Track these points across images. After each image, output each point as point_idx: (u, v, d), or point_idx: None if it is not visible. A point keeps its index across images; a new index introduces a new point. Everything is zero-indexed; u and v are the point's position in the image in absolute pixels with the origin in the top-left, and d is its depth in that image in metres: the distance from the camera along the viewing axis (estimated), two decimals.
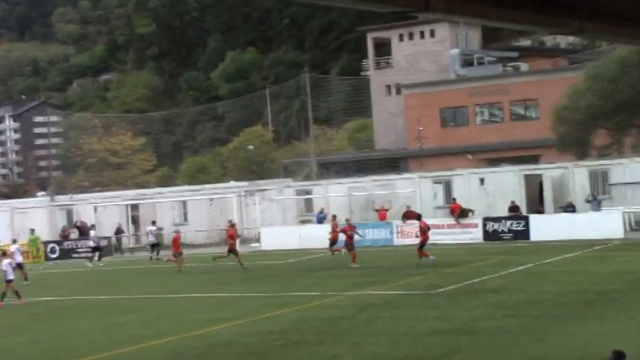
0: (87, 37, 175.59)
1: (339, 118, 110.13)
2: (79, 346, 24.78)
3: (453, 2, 11.06)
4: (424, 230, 40.01)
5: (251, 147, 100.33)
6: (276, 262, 45.37)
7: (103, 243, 57.67)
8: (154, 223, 57.22)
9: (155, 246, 54.46)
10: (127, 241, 64.31)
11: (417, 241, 41.46)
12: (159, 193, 70.86)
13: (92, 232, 56.26)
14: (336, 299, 30.98)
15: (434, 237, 48.95)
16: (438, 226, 50.66)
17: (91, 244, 55.79)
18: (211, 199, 64.00)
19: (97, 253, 54.43)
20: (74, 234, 63.32)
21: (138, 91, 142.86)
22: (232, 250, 43.48)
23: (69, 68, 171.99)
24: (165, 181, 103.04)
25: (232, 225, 46.01)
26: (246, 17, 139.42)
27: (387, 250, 48.78)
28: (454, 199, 54.69)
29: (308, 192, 63.77)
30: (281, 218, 61.86)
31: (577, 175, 54.53)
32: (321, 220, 56.80)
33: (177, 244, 45.60)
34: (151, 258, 53.25)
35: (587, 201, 50.90)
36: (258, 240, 56.86)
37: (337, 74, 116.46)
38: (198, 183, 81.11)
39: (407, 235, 50.98)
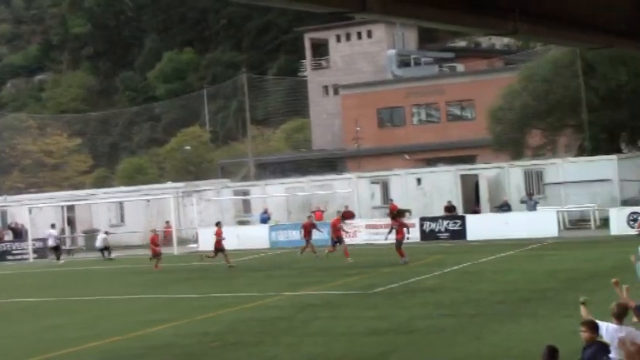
0: (20, 37, 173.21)
1: (276, 119, 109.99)
2: (12, 349, 24.45)
3: (390, 3, 11.08)
4: (400, 228, 39.87)
5: (188, 147, 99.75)
6: (213, 263, 45.16)
7: (51, 243, 57.03)
8: (53, 226, 57.03)
9: (56, 249, 54.67)
10: (64, 243, 63.55)
11: (347, 241, 42.00)
12: (95, 195, 70.12)
13: (52, 232, 56.11)
14: (274, 300, 30.94)
15: (371, 237, 49.29)
16: (375, 226, 50.93)
17: (51, 243, 55.71)
18: (148, 200, 63.56)
19: (57, 253, 54.77)
20: (8, 236, 62.48)
21: (73, 91, 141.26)
22: (220, 249, 43.29)
23: (2, 68, 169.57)
24: (102, 182, 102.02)
25: (217, 224, 45.92)
26: (183, 17, 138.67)
27: (325, 250, 48.79)
28: (391, 200, 54.95)
29: (246, 192, 63.66)
30: (219, 219, 61.58)
31: (512, 175, 55.13)
32: (265, 220, 56.71)
33: (154, 244, 45.44)
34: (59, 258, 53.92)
35: (523, 201, 51.44)
36: (195, 241, 56.54)
37: (275, 75, 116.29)
38: (134, 184, 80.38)
39: (346, 236, 51.09)
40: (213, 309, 29.36)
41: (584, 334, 13.95)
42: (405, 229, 39.79)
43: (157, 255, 45.44)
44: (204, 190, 64.40)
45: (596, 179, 51.60)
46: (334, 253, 42.90)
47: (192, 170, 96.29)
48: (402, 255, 38.91)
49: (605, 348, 13.80)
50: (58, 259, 54.57)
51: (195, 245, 55.89)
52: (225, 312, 28.66)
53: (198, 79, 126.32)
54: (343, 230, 43.94)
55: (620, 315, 14.56)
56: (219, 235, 43.94)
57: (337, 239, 42.97)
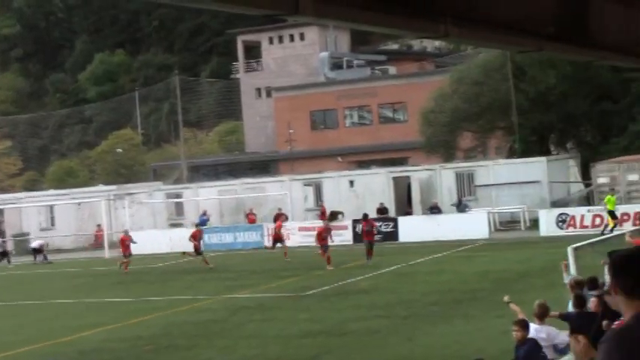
0: None
1: (209, 121, 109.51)
2: None
3: (322, 5, 11.07)
4: (369, 231, 39.79)
5: (120, 150, 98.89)
6: (146, 267, 44.85)
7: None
8: None
9: (3, 254, 53.98)
10: None
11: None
12: (24, 198, 69.13)
13: None
14: (208, 303, 30.83)
15: (304, 239, 49.25)
16: (308, 229, 50.93)
17: None
18: (79, 204, 62.85)
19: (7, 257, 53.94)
20: None
21: (2, 93, 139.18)
22: (197, 250, 42.82)
23: None
24: (32, 186, 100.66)
25: (196, 225, 45.38)
26: (114, 19, 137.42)
27: (258, 253, 48.69)
28: (322, 203, 55.21)
29: (178, 195, 63.30)
30: (151, 222, 61.19)
31: (444, 177, 55.56)
32: (204, 222, 56.35)
33: (125, 244, 44.45)
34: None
35: (453, 205, 51.88)
36: None
37: (207, 77, 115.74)
38: (65, 187, 79.47)
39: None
40: (147, 312, 29.15)
41: (516, 334, 14.12)
42: (375, 230, 40.20)
43: (127, 256, 44.17)
44: (136, 193, 63.88)
45: (526, 181, 52.17)
46: (272, 254, 42.98)
47: (124, 173, 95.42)
48: (370, 255, 39.45)
49: (538, 345, 13.99)
50: (9, 262, 53.55)
51: None
52: (159, 315, 28.49)
53: (130, 82, 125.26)
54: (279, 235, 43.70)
55: (542, 315, 14.81)
56: (195, 238, 43.70)
57: (277, 240, 42.88)
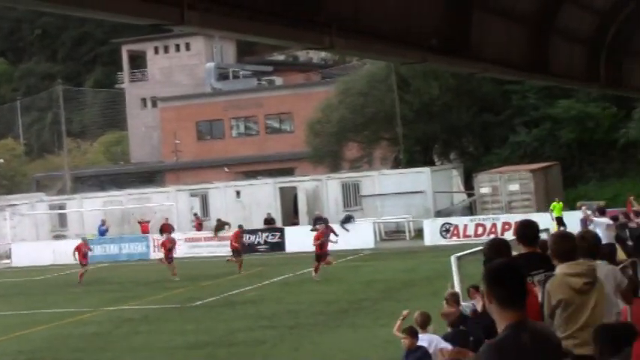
0: None
1: (93, 131, 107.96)
2: None
3: (208, 16, 11.03)
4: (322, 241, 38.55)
5: (1, 161, 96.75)
6: (28, 279, 43.90)
7: None
8: None
9: None
10: None
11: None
12: None
13: None
14: (92, 315, 30.34)
15: (191, 250, 48.96)
16: (195, 239, 50.73)
17: None
18: None
19: None
20: None
21: None
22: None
23: None
24: None
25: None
26: None
27: (144, 264, 48.20)
28: (196, 215, 55.16)
29: (62, 206, 62.19)
30: (34, 234, 59.98)
31: (330, 187, 55.87)
32: (103, 232, 55.45)
33: (81, 252, 42.30)
34: None
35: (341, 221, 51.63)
36: (9, 256, 54.84)
37: (91, 87, 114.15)
38: None
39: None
40: (28, 326, 28.53)
41: (405, 341, 14.25)
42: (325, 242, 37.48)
43: (83, 266, 41.54)
44: (18, 204, 62.52)
45: (410, 191, 52.81)
46: (158, 265, 42.45)
47: (6, 184, 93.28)
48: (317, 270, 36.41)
49: (427, 353, 14.12)
50: None
51: (8, 261, 54.21)
52: (41, 329, 27.91)
53: (12, 91, 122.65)
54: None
55: (424, 323, 15.02)
56: (164, 246, 41.96)
57: (235, 250, 41.45)
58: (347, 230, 48.07)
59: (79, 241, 44.09)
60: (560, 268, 8.36)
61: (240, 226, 44.40)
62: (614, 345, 6.86)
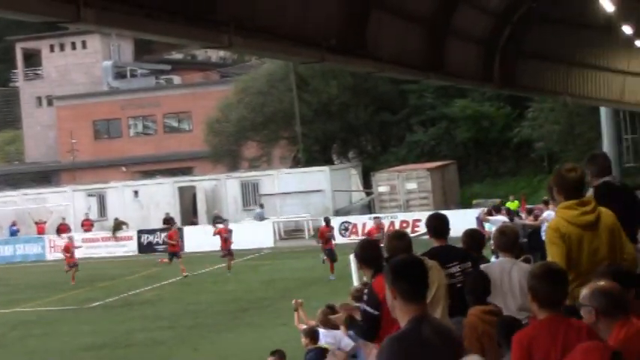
0: None
1: None
2: None
3: (105, 14, 10.89)
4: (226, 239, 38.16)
5: None
6: None
7: None
8: None
9: None
10: None
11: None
12: None
13: None
14: None
15: (89, 250, 48.26)
16: (92, 240, 50.10)
17: None
18: None
19: None
20: None
21: None
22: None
23: None
24: None
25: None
26: None
27: (40, 266, 47.37)
28: (87, 213, 54.51)
29: None
30: None
31: (229, 187, 55.68)
32: (14, 233, 54.27)
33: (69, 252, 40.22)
34: None
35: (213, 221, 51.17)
36: None
37: None
38: None
39: (61, 250, 50.12)
40: None
41: (304, 341, 14.28)
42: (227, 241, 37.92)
43: (72, 265, 38.73)
44: None
45: (309, 190, 52.96)
46: (54, 266, 41.76)
47: None
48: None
49: (323, 353, 14.16)
50: None
51: None
52: None
53: None
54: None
55: (326, 321, 15.08)
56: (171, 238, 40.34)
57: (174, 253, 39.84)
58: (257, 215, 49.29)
59: None
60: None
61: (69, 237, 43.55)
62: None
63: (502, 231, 9.67)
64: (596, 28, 28.82)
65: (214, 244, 46.80)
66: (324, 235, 35.81)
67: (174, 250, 39.42)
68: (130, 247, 49.82)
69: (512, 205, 38.55)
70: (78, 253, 47.22)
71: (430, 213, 11.11)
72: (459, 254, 9.72)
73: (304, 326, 15.44)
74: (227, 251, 37.99)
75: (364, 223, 47.02)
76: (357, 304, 9.42)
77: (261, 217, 50.49)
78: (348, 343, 13.18)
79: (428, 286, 5.66)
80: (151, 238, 50.12)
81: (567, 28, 30.79)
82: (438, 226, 9.75)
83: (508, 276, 8.94)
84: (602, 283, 6.19)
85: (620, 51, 30.75)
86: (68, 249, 39.13)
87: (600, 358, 5.27)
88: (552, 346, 5.88)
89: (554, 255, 7.41)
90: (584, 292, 6.08)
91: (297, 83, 59.85)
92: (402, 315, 5.54)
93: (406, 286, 5.50)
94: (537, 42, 30.98)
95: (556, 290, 6.11)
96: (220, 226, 40.57)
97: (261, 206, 51.98)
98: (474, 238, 10.24)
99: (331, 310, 15.81)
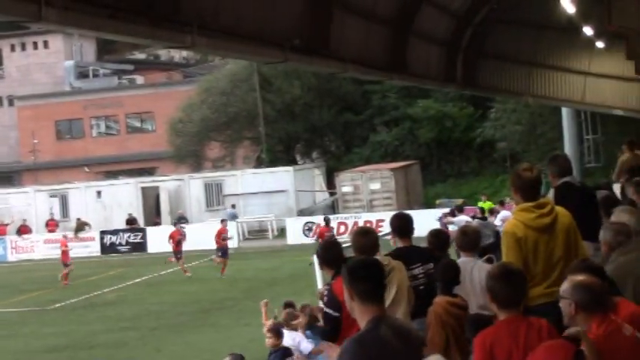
0: None
1: None
2: None
3: (67, 13, 10.84)
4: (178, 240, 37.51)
5: None
6: None
7: None
8: None
9: None
10: None
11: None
12: None
13: None
14: None
15: (50, 251, 47.95)
16: (54, 241, 49.76)
17: None
18: None
19: None
20: None
21: None
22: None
23: None
24: None
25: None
26: None
27: (1, 267, 46.98)
28: (52, 214, 54.17)
29: None
30: None
31: (192, 187, 55.53)
32: None
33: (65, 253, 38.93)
34: None
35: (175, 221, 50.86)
36: None
37: None
38: None
39: (23, 251, 49.74)
40: None
41: (269, 340, 14.25)
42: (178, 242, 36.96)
43: (66, 265, 37.36)
44: None
45: (273, 190, 52.93)
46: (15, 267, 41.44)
47: None
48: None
49: (287, 353, 14.14)
50: None
51: None
52: None
53: None
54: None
55: (288, 321, 15.09)
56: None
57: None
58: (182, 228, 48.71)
59: None
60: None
61: (64, 236, 42.71)
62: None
63: (464, 231, 9.72)
64: (558, 29, 29.09)
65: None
66: (323, 235, 35.00)
67: (179, 249, 37.77)
68: (92, 248, 49.52)
69: (485, 204, 38.62)
70: (38, 254, 47.13)
71: (393, 213, 11.14)
72: (422, 255, 9.77)
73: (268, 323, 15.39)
74: (179, 254, 36.84)
75: (321, 225, 46.99)
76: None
77: (233, 217, 50.36)
78: (306, 347, 13.19)
79: (385, 287, 5.69)
80: (113, 238, 49.87)
81: (529, 29, 31.07)
82: (401, 225, 9.77)
83: (470, 275, 9.00)
84: (583, 277, 6.22)
85: (581, 52, 31.01)
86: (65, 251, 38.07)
87: (564, 356, 5.33)
88: (514, 346, 5.93)
89: (510, 260, 7.46)
90: (565, 285, 6.12)
91: (260, 83, 59.82)
92: (360, 316, 5.57)
93: (363, 287, 5.53)
94: (499, 43, 31.24)
95: (515, 291, 6.18)
96: (174, 228, 40.23)
97: (233, 206, 51.86)
98: (439, 238, 10.29)
99: (290, 307, 15.85)
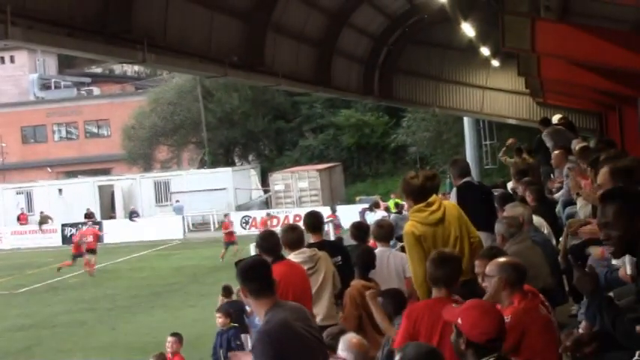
0: None
1: None
2: None
3: (30, 32, 10.68)
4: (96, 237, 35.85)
5: None
6: None
7: None
8: None
9: None
10: None
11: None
12: None
13: None
14: None
15: (17, 242, 47.20)
16: (21, 232, 49.10)
17: None
18: None
19: None
20: None
21: None
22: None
23: None
24: None
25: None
26: None
27: None
28: (22, 209, 53.33)
29: None
30: None
31: (144, 185, 55.08)
32: None
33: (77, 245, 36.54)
34: None
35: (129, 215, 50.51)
36: None
37: None
38: None
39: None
40: None
41: (220, 320, 14.10)
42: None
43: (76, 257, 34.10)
44: None
45: (215, 188, 52.66)
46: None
47: None
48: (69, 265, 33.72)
49: (238, 335, 13.99)
50: None
51: None
52: None
53: None
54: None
55: (228, 294, 15.06)
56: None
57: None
58: (134, 222, 48.74)
59: None
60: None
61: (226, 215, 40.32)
62: (397, 308, 7.15)
63: (380, 224, 9.76)
64: (460, 49, 29.44)
65: (130, 235, 46.47)
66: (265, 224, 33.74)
67: (231, 239, 35.18)
68: (54, 239, 48.83)
69: (391, 202, 38.71)
70: (5, 245, 46.27)
71: (313, 209, 11.12)
72: (338, 248, 9.82)
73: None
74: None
75: (262, 217, 47.05)
76: None
77: (180, 210, 50.35)
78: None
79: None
80: (73, 230, 49.09)
81: (436, 49, 31.40)
82: (313, 222, 9.61)
83: (386, 262, 9.03)
84: (506, 258, 6.27)
85: (480, 69, 31.40)
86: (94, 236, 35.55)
87: (497, 313, 5.16)
88: (436, 322, 5.92)
89: (414, 259, 7.47)
90: (491, 266, 6.13)
91: (203, 95, 59.55)
92: (257, 310, 5.52)
93: (254, 285, 5.48)
94: (410, 61, 31.52)
95: (445, 273, 6.18)
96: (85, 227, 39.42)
97: (177, 202, 51.62)
98: (360, 229, 10.30)
99: (227, 291, 15.75)
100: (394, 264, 8.97)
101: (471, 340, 4.77)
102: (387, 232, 9.59)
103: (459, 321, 4.86)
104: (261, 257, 6.33)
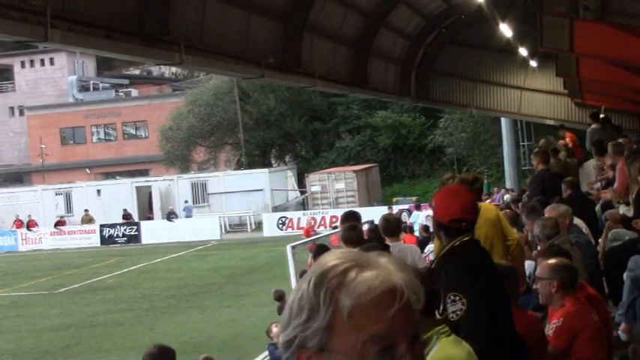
0: None
1: None
2: None
3: (70, 34, 10.78)
4: None
5: None
6: None
7: None
8: None
9: None
10: None
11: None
12: None
13: None
14: None
15: (56, 242, 47.68)
16: (60, 233, 49.61)
17: None
18: None
19: None
20: None
21: None
22: None
23: None
24: None
25: None
26: None
27: (13, 256, 46.59)
28: (60, 216, 53.87)
29: None
30: None
31: (181, 186, 55.38)
32: None
33: None
34: None
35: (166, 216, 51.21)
36: None
37: None
38: None
39: (32, 242, 49.46)
40: None
41: (275, 330, 13.97)
42: None
43: None
44: None
45: (251, 189, 52.82)
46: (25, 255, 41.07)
47: None
48: None
49: None
50: None
51: None
52: None
53: None
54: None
55: (280, 298, 15.08)
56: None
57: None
58: (172, 222, 49.21)
59: None
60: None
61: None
62: None
63: (386, 219, 9.74)
64: (497, 50, 29.26)
65: (168, 236, 46.76)
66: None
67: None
68: (93, 240, 49.27)
69: None
70: (45, 245, 46.76)
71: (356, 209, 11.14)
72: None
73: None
74: None
75: (299, 217, 47.11)
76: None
77: (189, 211, 50.81)
78: None
79: None
80: (111, 231, 49.63)
81: (473, 50, 31.23)
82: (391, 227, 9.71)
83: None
84: (558, 259, 6.14)
85: (518, 70, 31.20)
86: None
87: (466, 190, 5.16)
88: None
89: None
90: (542, 268, 6.08)
91: (239, 96, 59.72)
92: None
93: None
94: (447, 62, 31.38)
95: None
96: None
97: (186, 202, 52.15)
98: (390, 222, 10.25)
99: (280, 295, 15.66)
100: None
101: (439, 222, 4.86)
102: (394, 226, 9.60)
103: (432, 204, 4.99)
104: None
